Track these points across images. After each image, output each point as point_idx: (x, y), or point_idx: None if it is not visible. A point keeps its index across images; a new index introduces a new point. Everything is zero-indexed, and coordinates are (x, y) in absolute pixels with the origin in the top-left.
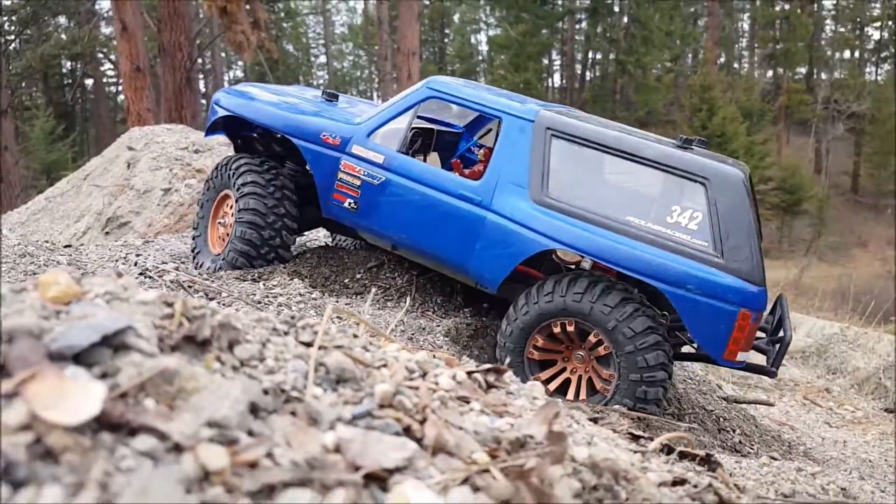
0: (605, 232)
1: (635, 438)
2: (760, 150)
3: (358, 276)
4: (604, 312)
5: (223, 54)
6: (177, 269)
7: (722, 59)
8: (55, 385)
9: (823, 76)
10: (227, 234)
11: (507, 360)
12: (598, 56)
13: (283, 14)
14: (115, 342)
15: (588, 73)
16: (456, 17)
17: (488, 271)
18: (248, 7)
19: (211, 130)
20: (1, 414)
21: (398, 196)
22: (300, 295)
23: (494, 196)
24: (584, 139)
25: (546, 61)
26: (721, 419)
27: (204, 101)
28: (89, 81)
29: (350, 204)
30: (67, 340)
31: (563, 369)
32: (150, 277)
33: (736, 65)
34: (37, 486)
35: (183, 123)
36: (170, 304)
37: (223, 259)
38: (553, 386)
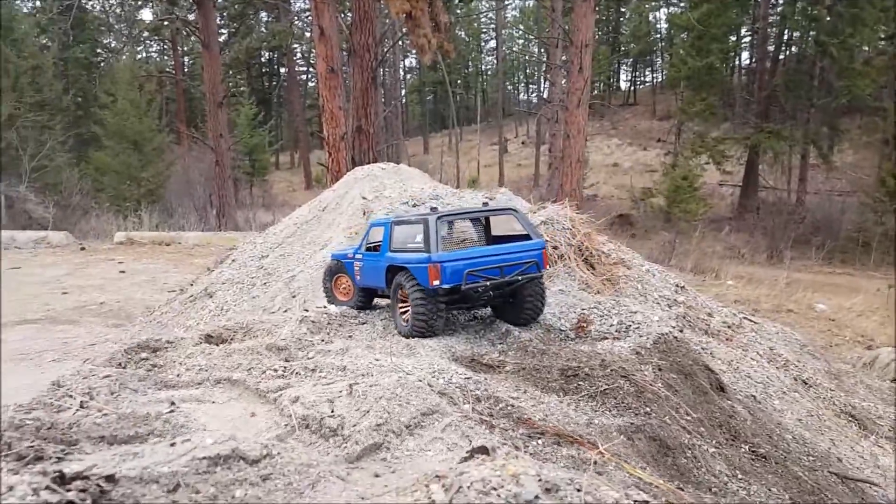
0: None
1: None
2: None
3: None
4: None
5: (399, 42)
6: None
7: None
8: None
9: None
10: None
11: None
12: (796, 35)
13: (457, 1)
14: None
15: (782, 55)
16: None
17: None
18: (430, 10)
19: None
20: None
21: None
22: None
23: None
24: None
25: (734, 38)
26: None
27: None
28: (283, 70)
29: None
30: None
31: None
32: None
33: None
34: None
35: (367, 120)
36: None
37: None
38: None
